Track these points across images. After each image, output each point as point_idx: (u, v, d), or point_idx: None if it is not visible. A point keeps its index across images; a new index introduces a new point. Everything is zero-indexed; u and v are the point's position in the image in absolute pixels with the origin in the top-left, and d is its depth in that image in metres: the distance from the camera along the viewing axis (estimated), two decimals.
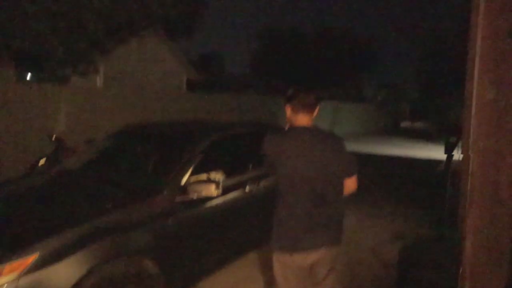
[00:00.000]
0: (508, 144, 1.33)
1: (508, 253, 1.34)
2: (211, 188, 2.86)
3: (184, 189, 2.93)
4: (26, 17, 6.59)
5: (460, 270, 1.45)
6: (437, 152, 13.49)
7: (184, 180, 3.00)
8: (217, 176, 3.40)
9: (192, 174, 3.06)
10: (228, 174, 3.54)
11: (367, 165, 10.72)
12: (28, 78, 10.66)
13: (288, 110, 2.20)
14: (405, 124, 33.75)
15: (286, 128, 2.27)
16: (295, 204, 2.09)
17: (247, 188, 3.54)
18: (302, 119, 2.16)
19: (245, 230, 3.61)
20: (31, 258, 2.15)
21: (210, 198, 3.07)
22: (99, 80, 13.32)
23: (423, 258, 3.96)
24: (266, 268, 3.84)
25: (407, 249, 4.16)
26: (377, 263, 4.06)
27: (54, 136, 6.19)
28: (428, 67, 30.94)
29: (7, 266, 2.08)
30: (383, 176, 9.08)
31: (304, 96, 2.14)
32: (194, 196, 2.90)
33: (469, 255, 1.43)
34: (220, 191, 2.92)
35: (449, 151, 4.59)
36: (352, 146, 15.08)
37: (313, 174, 2.07)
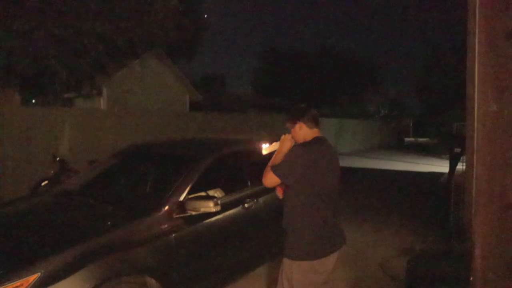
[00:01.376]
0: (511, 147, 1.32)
1: None
2: (209, 204, 2.86)
3: (183, 206, 2.93)
4: (30, 42, 6.72)
5: (471, 279, 1.41)
6: (440, 167, 13.45)
7: (182, 197, 3.00)
8: (216, 193, 3.40)
9: (191, 192, 3.07)
10: (227, 191, 3.55)
11: (372, 180, 10.68)
12: (33, 101, 10.80)
13: (303, 126, 2.37)
14: (408, 139, 33.65)
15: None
16: (328, 212, 2.27)
17: (246, 205, 3.51)
18: (317, 132, 2.39)
19: (246, 246, 3.57)
20: (33, 278, 2.13)
21: (209, 215, 3.05)
22: (102, 102, 13.48)
23: (431, 272, 3.89)
24: (271, 284, 3.78)
25: (415, 263, 4.08)
26: (385, 278, 4.00)
27: (57, 158, 6.23)
28: (429, 83, 31.18)
29: (9, 286, 2.06)
30: (388, 190, 9.01)
31: (314, 111, 2.40)
32: (193, 212, 2.90)
33: (479, 263, 1.39)
34: (219, 207, 2.91)
35: (454, 161, 4.56)
36: (357, 162, 15.04)
37: (336, 182, 2.34)
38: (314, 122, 2.38)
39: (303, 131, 2.38)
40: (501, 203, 1.36)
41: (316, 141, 2.35)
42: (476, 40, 1.35)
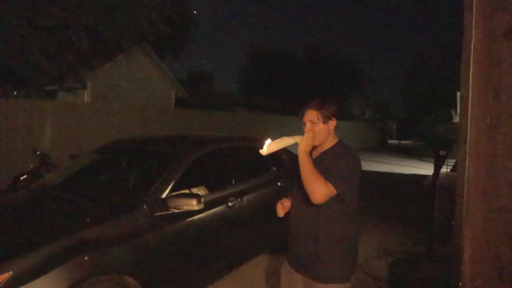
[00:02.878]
0: (506, 148, 1.28)
1: (510, 265, 1.28)
2: (192, 202, 2.79)
3: (165, 204, 2.86)
4: (10, 32, 6.51)
5: (460, 284, 1.37)
6: (423, 169, 13.65)
7: (164, 194, 2.93)
8: (200, 191, 3.32)
9: (173, 189, 3.00)
10: (211, 189, 3.48)
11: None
12: (14, 93, 10.51)
13: (333, 125, 2.01)
14: (392, 142, 34.14)
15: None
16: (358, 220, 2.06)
17: (230, 203, 3.46)
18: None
19: (230, 245, 3.52)
20: (3, 277, 2.04)
21: (192, 213, 2.99)
22: (86, 96, 13.21)
23: (414, 274, 3.92)
24: (255, 284, 3.74)
25: (397, 265, 4.11)
26: (367, 279, 4.00)
27: (38, 151, 6.06)
28: (414, 86, 31.72)
29: None
30: (370, 192, 9.07)
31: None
32: (175, 210, 2.82)
33: (468, 268, 1.36)
34: (202, 205, 2.85)
35: (438, 164, 4.59)
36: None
37: None
38: None
39: (332, 131, 2.00)
40: (493, 206, 1.33)
41: (348, 146, 2.04)
42: (473, 38, 1.31)
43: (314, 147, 2.05)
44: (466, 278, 1.36)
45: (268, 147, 1.95)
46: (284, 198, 2.26)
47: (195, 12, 17.96)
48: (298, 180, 1.93)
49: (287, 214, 2.23)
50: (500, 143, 1.32)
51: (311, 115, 1.98)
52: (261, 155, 1.99)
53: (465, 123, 1.36)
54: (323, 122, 1.96)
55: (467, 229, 1.37)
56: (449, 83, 24.59)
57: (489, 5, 1.25)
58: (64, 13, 6.65)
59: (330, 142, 2.02)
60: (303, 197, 1.94)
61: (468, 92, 1.34)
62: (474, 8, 1.29)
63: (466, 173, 1.38)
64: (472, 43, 1.31)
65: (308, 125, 1.98)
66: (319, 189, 1.78)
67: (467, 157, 1.36)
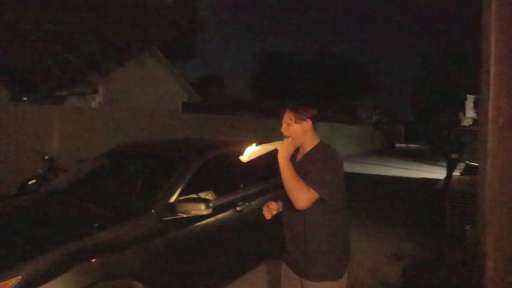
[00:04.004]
0: None
1: None
2: (200, 206, 2.77)
3: (173, 208, 2.83)
4: (19, 37, 6.55)
5: None
6: (431, 173, 13.49)
7: (172, 199, 2.91)
8: (207, 195, 3.29)
9: (182, 194, 2.98)
10: (219, 193, 3.44)
11: (363, 186, 10.64)
12: (24, 99, 10.60)
13: (310, 126, 2.04)
14: (400, 145, 33.86)
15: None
16: (348, 219, 2.11)
17: (239, 208, 3.42)
18: (317, 136, 2.11)
19: (238, 251, 3.49)
20: (12, 282, 2.03)
21: (200, 218, 2.97)
22: (97, 101, 13.29)
23: (426, 279, 3.83)
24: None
25: (408, 270, 4.02)
26: (377, 284, 3.93)
27: (46, 156, 6.08)
28: (421, 90, 31.53)
29: None
30: (379, 196, 8.97)
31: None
32: (183, 215, 2.79)
33: (492, 276, 1.29)
34: (210, 210, 2.82)
35: (451, 167, 4.50)
36: (348, 168, 15.02)
37: None
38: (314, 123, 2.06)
39: (310, 132, 2.04)
40: None
41: (328, 146, 2.05)
42: (493, 33, 1.26)
43: (297, 150, 2.11)
44: (489, 286, 1.30)
45: (249, 154, 1.99)
46: (269, 201, 2.30)
47: (201, 15, 17.92)
48: None
49: (277, 216, 2.29)
50: None
51: (286, 116, 2.05)
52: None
53: (485, 123, 1.31)
54: (295, 122, 2.01)
55: (490, 235, 1.31)
56: (457, 86, 24.39)
57: (507, 6, 1.20)
58: (72, 18, 6.70)
59: (310, 143, 2.05)
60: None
61: (489, 92, 1.29)
62: (493, 2, 1.24)
63: (488, 176, 1.33)
64: (492, 39, 1.26)
65: (284, 126, 2.06)
66: (301, 196, 1.83)
67: (488, 160, 1.31)
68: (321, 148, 2.03)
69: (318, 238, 2.00)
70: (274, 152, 2.00)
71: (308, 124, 2.02)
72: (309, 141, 2.05)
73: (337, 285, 2.02)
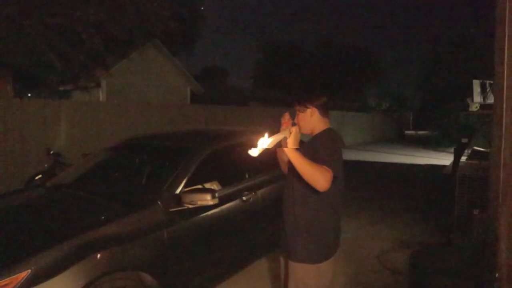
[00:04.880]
0: None
1: None
2: (206, 196, 2.76)
3: (179, 199, 2.82)
4: (22, 31, 6.53)
5: (496, 275, 1.28)
6: (439, 159, 13.38)
7: (179, 190, 2.90)
8: (213, 186, 3.28)
9: (187, 185, 2.97)
10: (224, 183, 3.43)
11: (372, 173, 10.59)
12: (28, 95, 10.64)
13: (315, 113, 2.11)
14: (409, 132, 33.62)
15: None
16: (339, 204, 2.11)
17: (245, 198, 3.41)
18: (328, 123, 2.15)
19: (244, 240, 3.49)
20: (22, 275, 2.05)
21: (206, 208, 2.96)
22: (101, 95, 13.33)
23: (436, 264, 3.80)
24: (269, 279, 3.71)
25: (416, 256, 3.99)
26: (384, 271, 3.92)
27: (52, 151, 6.11)
28: (430, 77, 31.17)
29: None
30: (388, 183, 8.92)
31: (327, 99, 2.15)
32: (189, 205, 2.79)
33: (505, 258, 1.26)
34: (216, 200, 2.81)
35: (459, 152, 4.43)
36: (358, 155, 14.95)
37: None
38: (327, 111, 2.12)
39: (315, 119, 2.10)
40: None
41: (333, 131, 2.10)
42: (507, 11, 1.20)
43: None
44: (503, 268, 1.26)
45: (260, 149, 1.85)
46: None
47: (202, 8, 17.82)
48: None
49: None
50: None
51: (296, 106, 2.17)
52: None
53: (500, 105, 1.26)
54: (301, 111, 2.13)
55: (503, 217, 1.27)
56: (464, 72, 24.06)
57: None
58: (74, 11, 6.66)
59: (318, 130, 2.12)
60: (288, 180, 2.16)
61: (504, 73, 1.24)
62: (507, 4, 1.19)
63: (502, 158, 1.28)
64: (507, 17, 1.21)
65: (297, 114, 2.18)
66: (323, 176, 1.82)
67: (502, 142, 1.26)
68: (325, 134, 2.08)
69: (301, 220, 2.06)
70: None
71: (312, 111, 2.09)
72: (317, 129, 2.11)
73: (315, 269, 2.04)
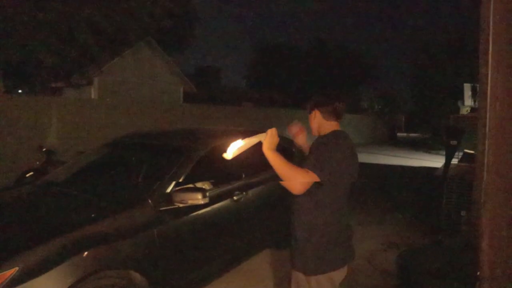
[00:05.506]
0: None
1: None
2: (197, 196, 2.76)
3: (170, 198, 2.82)
4: (13, 27, 6.46)
5: (478, 273, 1.31)
6: (431, 161, 13.50)
7: (169, 189, 2.90)
8: (204, 185, 3.28)
9: (179, 184, 2.96)
10: (217, 183, 3.44)
11: (363, 175, 10.64)
12: (19, 92, 10.53)
13: (317, 115, 2.11)
14: (401, 134, 33.89)
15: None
16: (342, 214, 2.03)
17: (235, 197, 3.42)
18: (336, 125, 2.12)
19: (235, 240, 3.49)
20: (9, 273, 2.02)
21: (197, 208, 2.95)
22: (93, 92, 13.24)
23: (424, 265, 3.85)
24: (259, 279, 3.72)
25: (405, 256, 4.04)
26: (374, 272, 3.95)
27: (44, 148, 6.06)
28: (421, 79, 31.47)
29: None
30: (380, 185, 8.98)
31: (339, 103, 2.10)
32: (180, 204, 2.79)
33: (487, 256, 1.29)
34: (207, 199, 2.81)
35: (450, 154, 4.50)
36: None
37: (353, 183, 2.07)
38: (334, 115, 2.07)
39: (317, 121, 2.12)
40: None
41: (335, 134, 2.04)
42: (491, 17, 1.24)
43: None
44: (484, 267, 1.29)
45: (233, 151, 1.93)
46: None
47: (196, 4, 17.79)
48: None
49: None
50: None
51: (307, 110, 2.19)
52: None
53: (484, 105, 1.29)
54: (308, 113, 2.17)
55: (486, 215, 1.30)
56: (456, 75, 24.32)
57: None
58: (66, 7, 6.60)
59: (323, 132, 2.11)
60: None
61: (487, 74, 1.27)
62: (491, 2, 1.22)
63: (486, 159, 1.32)
64: (491, 22, 1.24)
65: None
66: (296, 179, 1.82)
67: (486, 143, 1.30)
68: (325, 136, 2.05)
69: (300, 229, 2.03)
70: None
71: (315, 114, 2.12)
72: (322, 131, 2.11)
73: (311, 280, 1.99)
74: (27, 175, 5.43)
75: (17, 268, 2.03)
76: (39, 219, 2.70)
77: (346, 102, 2.13)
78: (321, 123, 2.11)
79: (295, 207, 2.04)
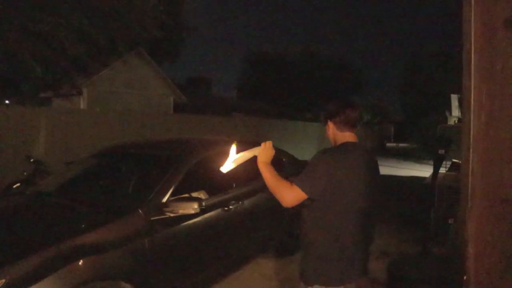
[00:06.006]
0: (510, 138, 1.26)
1: None
2: (193, 205, 2.76)
3: (163, 208, 2.82)
4: (1, 37, 6.42)
5: (464, 278, 1.35)
6: (420, 171, 13.67)
7: (165, 198, 2.89)
8: (200, 194, 3.28)
9: (172, 194, 2.96)
10: (210, 193, 3.43)
11: None
12: (6, 102, 10.41)
13: (331, 127, 2.05)
14: (390, 144, 34.25)
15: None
16: (345, 234, 1.91)
17: (231, 207, 3.42)
18: (350, 136, 2.03)
19: (227, 249, 3.48)
20: None
21: (190, 217, 2.95)
22: (83, 103, 13.15)
23: (413, 274, 3.88)
24: (252, 287, 3.69)
25: (395, 265, 4.07)
26: (364, 280, 3.93)
27: (32, 159, 5.99)
28: (409, 90, 32.03)
29: None
30: None
31: (351, 112, 2.01)
32: (171, 214, 2.78)
33: (473, 262, 1.33)
34: (198, 209, 2.80)
35: (438, 163, 4.56)
36: None
37: (367, 200, 1.95)
38: (348, 125, 2.00)
39: (332, 133, 2.07)
40: (497, 198, 1.31)
41: (339, 148, 1.99)
42: (472, 29, 1.29)
43: None
44: (470, 274, 1.33)
45: (229, 165, 2.00)
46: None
47: (187, 15, 17.90)
48: None
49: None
50: (502, 136, 1.30)
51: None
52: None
53: (468, 114, 1.34)
54: (324, 125, 2.13)
55: (471, 222, 1.34)
56: (443, 86, 24.83)
57: None
58: (56, 18, 6.58)
59: (336, 143, 2.07)
60: None
61: (470, 84, 1.32)
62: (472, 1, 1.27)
63: (470, 166, 1.36)
64: (472, 34, 1.29)
65: None
66: (285, 193, 1.84)
67: (470, 151, 1.34)
68: (332, 149, 2.01)
69: (302, 240, 2.05)
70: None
71: (329, 125, 2.07)
72: (336, 142, 2.06)
73: None
74: (14, 186, 5.35)
75: (4, 280, 2.00)
76: (28, 229, 2.67)
77: (358, 109, 2.06)
78: (335, 134, 2.05)
79: (300, 217, 2.04)
